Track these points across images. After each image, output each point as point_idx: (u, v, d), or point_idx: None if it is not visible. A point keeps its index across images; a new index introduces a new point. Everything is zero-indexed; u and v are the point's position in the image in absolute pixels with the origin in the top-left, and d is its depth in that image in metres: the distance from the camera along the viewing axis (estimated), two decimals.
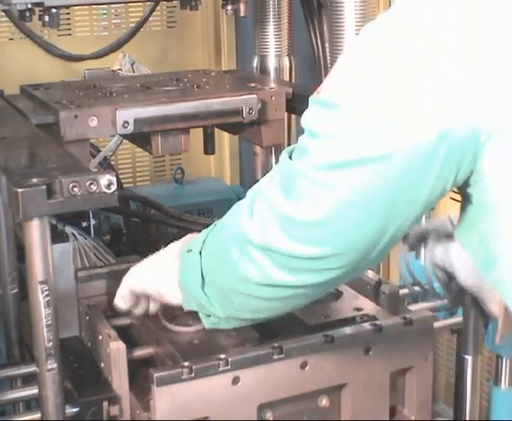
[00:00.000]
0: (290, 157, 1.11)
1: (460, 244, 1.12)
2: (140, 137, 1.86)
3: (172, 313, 1.56)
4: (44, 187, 1.15)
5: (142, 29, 2.93)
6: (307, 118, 1.07)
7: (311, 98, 1.07)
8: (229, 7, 2.16)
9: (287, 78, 2.35)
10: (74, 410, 1.38)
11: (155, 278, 1.43)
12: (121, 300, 1.51)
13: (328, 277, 1.11)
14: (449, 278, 1.37)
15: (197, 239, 1.32)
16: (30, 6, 1.85)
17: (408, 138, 0.96)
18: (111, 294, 1.72)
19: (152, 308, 1.52)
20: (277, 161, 1.14)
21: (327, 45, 2.34)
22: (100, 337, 1.48)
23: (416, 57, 0.96)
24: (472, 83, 0.93)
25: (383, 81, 0.98)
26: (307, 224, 1.06)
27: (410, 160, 0.96)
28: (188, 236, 1.40)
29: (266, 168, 2.18)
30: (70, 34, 3.03)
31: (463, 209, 1.07)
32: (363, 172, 0.99)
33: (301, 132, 1.09)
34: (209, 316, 1.35)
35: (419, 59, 0.95)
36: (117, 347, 1.42)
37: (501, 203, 0.97)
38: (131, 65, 2.48)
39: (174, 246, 1.41)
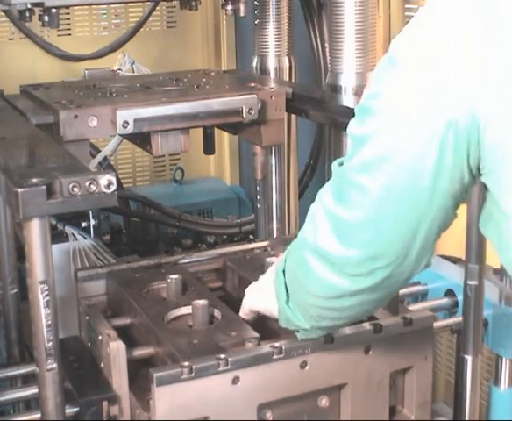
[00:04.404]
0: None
1: (483, 232, 1.15)
2: (140, 137, 1.86)
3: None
4: (44, 187, 1.15)
5: (142, 29, 2.93)
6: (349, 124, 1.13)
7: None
8: (229, 7, 2.16)
9: (286, 78, 2.35)
10: (74, 409, 1.38)
11: (263, 298, 1.46)
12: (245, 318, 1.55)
13: (379, 278, 1.14)
14: None
15: (282, 256, 1.36)
16: (30, 6, 1.84)
17: (423, 127, 1.02)
18: (111, 294, 1.72)
19: None
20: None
21: (327, 45, 2.34)
22: (100, 337, 1.48)
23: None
24: (472, 83, 0.96)
25: (400, 83, 1.04)
26: (351, 225, 1.11)
27: (427, 148, 1.02)
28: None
29: (266, 168, 2.17)
30: (70, 34, 3.03)
31: (483, 200, 1.13)
32: (388, 167, 1.05)
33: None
34: (298, 331, 1.35)
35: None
36: (117, 347, 1.42)
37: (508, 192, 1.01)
38: (131, 65, 2.48)
39: (274, 265, 1.44)
